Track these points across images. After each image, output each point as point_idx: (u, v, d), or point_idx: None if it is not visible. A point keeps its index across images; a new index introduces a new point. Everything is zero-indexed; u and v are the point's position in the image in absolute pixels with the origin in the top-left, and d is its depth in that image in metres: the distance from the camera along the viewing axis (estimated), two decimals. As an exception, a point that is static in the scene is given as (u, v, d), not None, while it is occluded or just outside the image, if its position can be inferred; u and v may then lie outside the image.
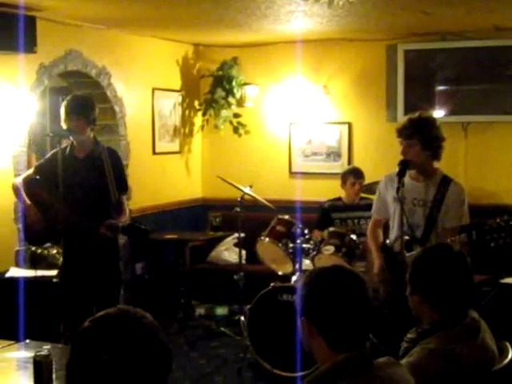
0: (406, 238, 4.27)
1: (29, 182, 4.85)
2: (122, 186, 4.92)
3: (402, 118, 6.46)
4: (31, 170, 5.02)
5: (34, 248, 5.73)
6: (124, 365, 1.67)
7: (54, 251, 5.71)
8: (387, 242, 4.54)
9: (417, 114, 4.44)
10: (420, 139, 4.29)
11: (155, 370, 1.71)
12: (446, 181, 4.38)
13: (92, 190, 4.74)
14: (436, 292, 2.72)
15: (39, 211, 4.77)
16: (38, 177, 4.85)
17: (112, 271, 4.90)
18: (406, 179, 4.33)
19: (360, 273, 2.31)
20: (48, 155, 5.02)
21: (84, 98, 5.09)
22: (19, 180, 4.99)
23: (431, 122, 4.41)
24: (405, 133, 4.33)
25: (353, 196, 6.40)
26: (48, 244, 5.54)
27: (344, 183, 6.45)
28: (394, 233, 4.49)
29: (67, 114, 4.72)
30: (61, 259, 5.26)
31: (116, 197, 4.74)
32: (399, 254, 4.22)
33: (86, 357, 1.69)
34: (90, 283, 4.79)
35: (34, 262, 5.66)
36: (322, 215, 6.50)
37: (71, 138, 4.84)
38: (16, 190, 4.93)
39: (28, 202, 4.82)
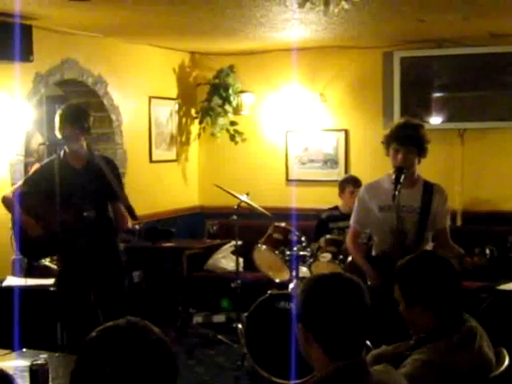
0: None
1: (21, 197, 4.83)
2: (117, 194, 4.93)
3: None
4: (19, 184, 5.00)
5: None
6: (130, 377, 1.66)
7: (47, 261, 5.69)
8: (373, 253, 4.49)
9: (413, 122, 4.44)
10: (418, 147, 4.30)
11: (161, 383, 1.71)
12: (428, 186, 4.37)
13: (95, 198, 4.78)
14: (438, 300, 2.70)
15: (38, 223, 4.77)
16: (25, 190, 4.83)
17: (115, 277, 4.93)
18: (389, 187, 4.27)
19: (359, 281, 2.28)
20: (41, 165, 5.02)
21: (78, 107, 5.11)
22: (10, 194, 4.95)
23: (423, 128, 4.41)
24: (408, 141, 4.30)
25: (351, 205, 6.34)
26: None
27: (342, 192, 6.41)
28: (379, 242, 4.43)
29: (61, 122, 4.75)
30: (54, 267, 5.25)
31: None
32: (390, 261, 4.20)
33: (92, 367, 1.69)
34: (93, 289, 4.84)
35: (28, 271, 5.65)
36: (320, 226, 6.45)
37: (65, 146, 4.86)
38: (8, 203, 4.90)
39: (24, 216, 4.79)
